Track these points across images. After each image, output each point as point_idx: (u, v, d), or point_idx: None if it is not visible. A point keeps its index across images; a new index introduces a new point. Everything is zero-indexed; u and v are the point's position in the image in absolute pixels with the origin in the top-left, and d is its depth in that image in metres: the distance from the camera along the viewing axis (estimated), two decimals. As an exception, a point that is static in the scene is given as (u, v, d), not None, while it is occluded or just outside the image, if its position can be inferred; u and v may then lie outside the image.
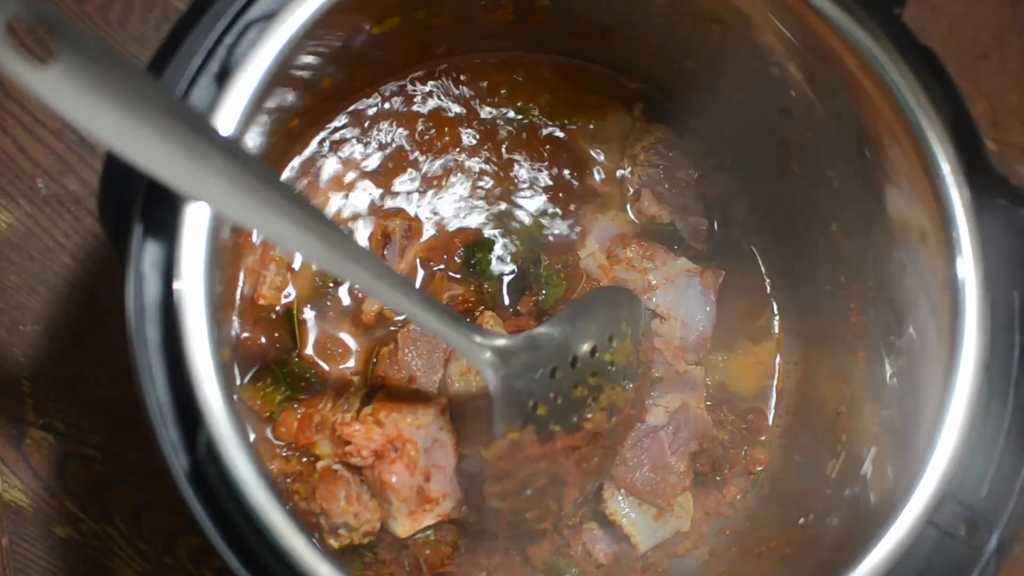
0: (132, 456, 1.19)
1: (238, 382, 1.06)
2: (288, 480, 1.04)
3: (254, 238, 1.09)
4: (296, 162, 1.13)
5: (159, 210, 0.81)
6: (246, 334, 1.07)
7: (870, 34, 0.91)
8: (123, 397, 1.19)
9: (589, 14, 1.12)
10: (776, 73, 1.04)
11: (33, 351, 1.20)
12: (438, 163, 1.16)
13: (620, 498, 1.11)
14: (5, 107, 1.24)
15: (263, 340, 1.08)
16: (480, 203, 1.16)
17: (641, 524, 1.10)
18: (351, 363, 1.10)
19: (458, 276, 1.13)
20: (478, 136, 1.18)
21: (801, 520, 1.04)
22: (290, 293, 1.09)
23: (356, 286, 1.07)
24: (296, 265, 1.10)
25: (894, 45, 0.92)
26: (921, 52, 0.93)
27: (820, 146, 1.06)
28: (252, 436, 1.05)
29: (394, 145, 1.15)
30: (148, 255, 0.81)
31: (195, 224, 0.80)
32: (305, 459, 1.06)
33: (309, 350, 1.09)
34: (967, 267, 0.88)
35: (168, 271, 0.80)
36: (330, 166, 1.13)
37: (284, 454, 1.06)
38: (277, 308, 1.09)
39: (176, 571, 1.17)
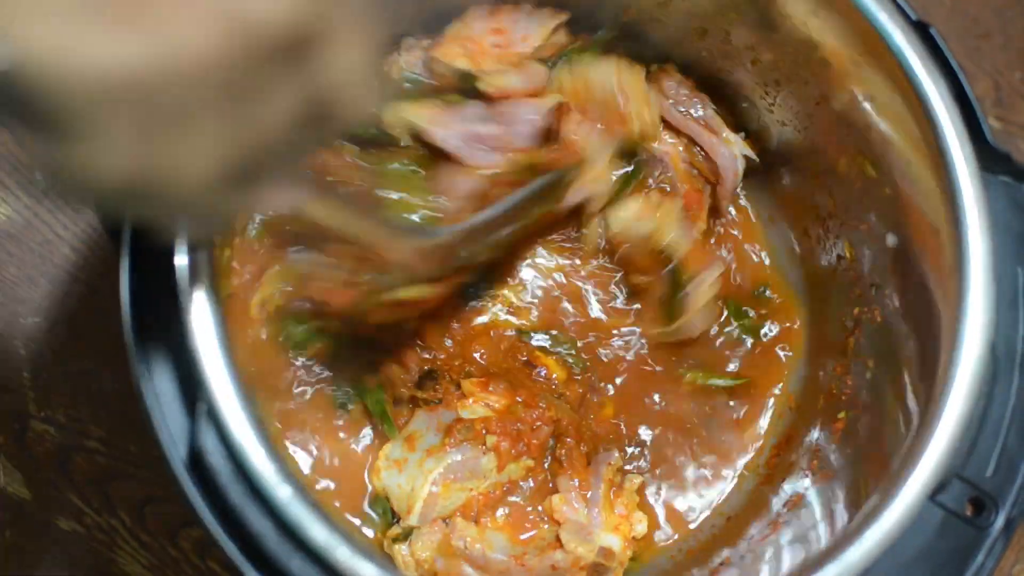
0: (134, 448, 1.18)
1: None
2: None
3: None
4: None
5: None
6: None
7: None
8: (124, 389, 1.19)
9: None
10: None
11: (33, 344, 1.20)
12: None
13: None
14: (2, 100, 1.23)
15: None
16: None
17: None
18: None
19: None
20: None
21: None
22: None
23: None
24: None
25: (894, 21, 0.92)
26: (918, 29, 0.93)
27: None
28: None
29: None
30: (144, 241, 0.81)
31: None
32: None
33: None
34: (974, 243, 0.87)
35: (165, 257, 0.80)
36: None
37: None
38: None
39: (180, 563, 1.17)
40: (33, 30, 0.47)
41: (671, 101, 1.14)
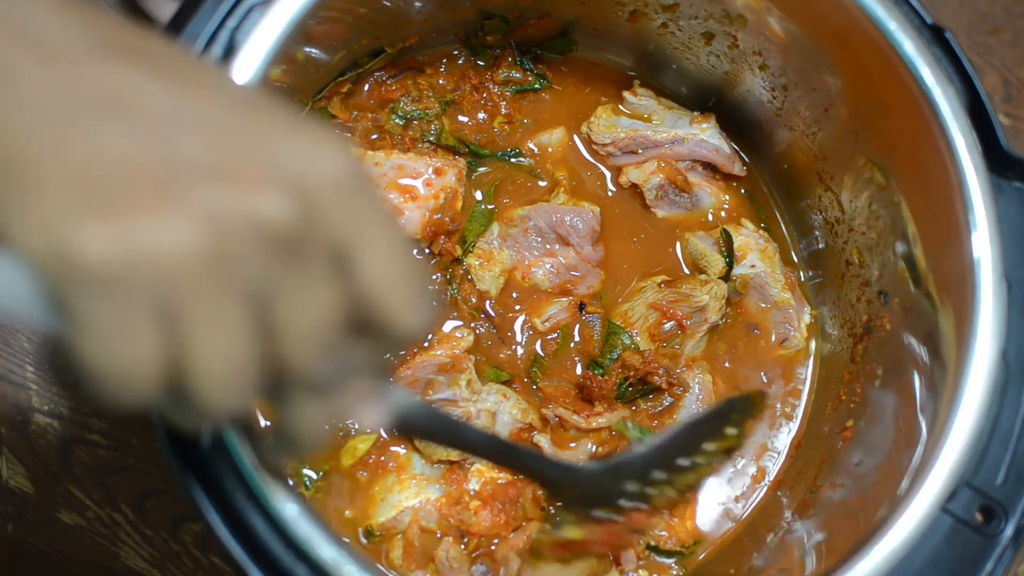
0: (136, 442, 1.18)
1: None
2: None
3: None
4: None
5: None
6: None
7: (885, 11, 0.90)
8: (127, 382, 1.18)
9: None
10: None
11: (38, 337, 1.19)
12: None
13: None
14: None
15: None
16: None
17: None
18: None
19: None
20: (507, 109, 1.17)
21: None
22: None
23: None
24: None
25: (907, 21, 0.91)
26: (933, 32, 0.92)
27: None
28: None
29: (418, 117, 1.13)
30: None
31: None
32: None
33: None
34: (983, 249, 0.87)
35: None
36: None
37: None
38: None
39: (182, 557, 1.17)
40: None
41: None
